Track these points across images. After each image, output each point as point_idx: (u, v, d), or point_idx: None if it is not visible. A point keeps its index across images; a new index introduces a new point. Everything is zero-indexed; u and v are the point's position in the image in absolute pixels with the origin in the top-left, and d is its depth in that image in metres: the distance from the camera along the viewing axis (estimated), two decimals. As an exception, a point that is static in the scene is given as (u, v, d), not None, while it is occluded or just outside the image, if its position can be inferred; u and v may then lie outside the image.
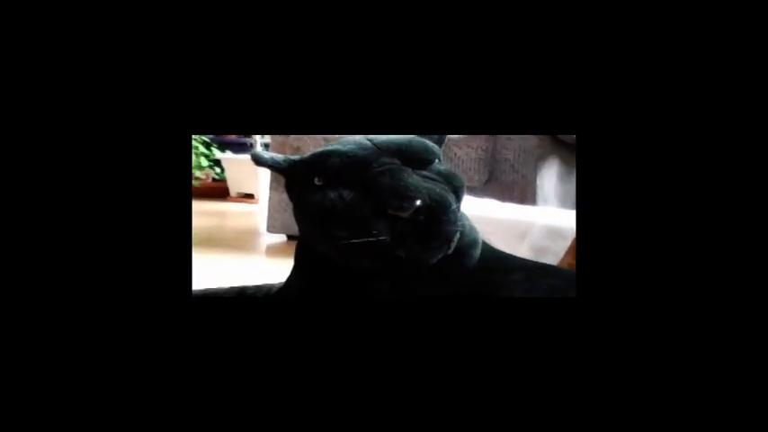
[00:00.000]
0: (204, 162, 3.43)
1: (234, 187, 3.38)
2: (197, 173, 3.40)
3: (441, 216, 0.85)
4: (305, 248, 1.00)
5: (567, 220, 1.38)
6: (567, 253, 1.30)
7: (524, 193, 1.83)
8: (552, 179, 1.92)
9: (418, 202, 0.83)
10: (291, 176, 0.96)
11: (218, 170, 3.38)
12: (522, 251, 1.31)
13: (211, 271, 1.61)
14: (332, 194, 0.88)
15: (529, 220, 1.41)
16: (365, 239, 0.86)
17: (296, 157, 0.97)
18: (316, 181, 0.90)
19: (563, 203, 1.97)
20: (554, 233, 1.36)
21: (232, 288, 1.19)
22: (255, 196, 3.33)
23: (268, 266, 1.72)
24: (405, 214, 0.84)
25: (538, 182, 1.86)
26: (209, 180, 3.41)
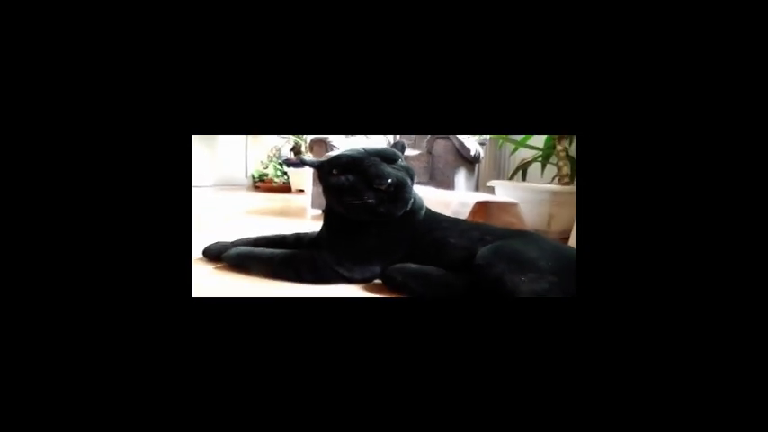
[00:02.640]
0: (280, 173, 3.37)
1: (294, 185, 3.36)
2: (275, 179, 3.32)
3: (402, 189, 0.91)
4: (329, 211, 1.02)
5: (470, 197, 1.40)
6: (469, 214, 1.33)
7: (448, 185, 1.91)
8: (462, 177, 1.99)
9: (390, 181, 0.88)
10: (321, 170, 0.99)
11: (285, 177, 3.30)
12: (447, 213, 1.27)
13: (283, 226, 1.68)
14: (342, 178, 0.92)
15: (450, 198, 1.42)
16: (361, 202, 0.90)
17: (322, 159, 1.02)
18: (333, 171, 0.94)
19: (467, 189, 2.01)
20: (463, 204, 1.38)
21: (292, 234, 1.17)
22: (305, 190, 3.30)
23: (312, 224, 1.81)
24: (383, 188, 0.88)
25: (455, 179, 1.92)
26: (282, 183, 3.34)
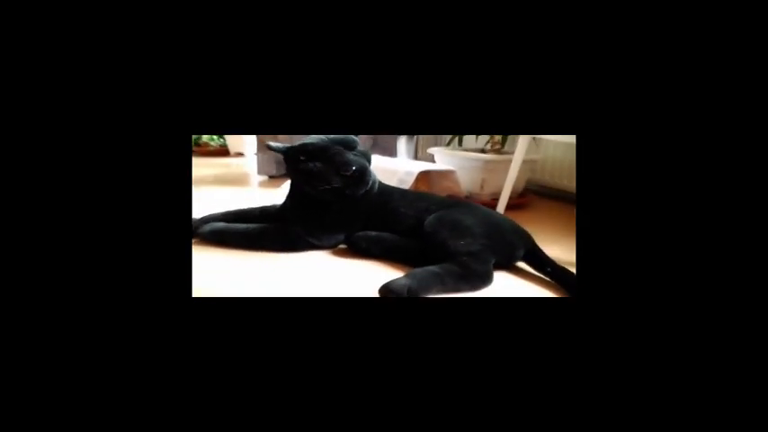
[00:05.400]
0: (215, 136, 3.34)
1: (231, 148, 3.35)
2: (211, 142, 3.31)
3: (364, 173, 1.09)
4: (297, 189, 1.15)
5: (414, 167, 1.58)
6: (412, 183, 1.52)
7: (390, 152, 2.11)
8: (402, 144, 2.21)
9: (354, 168, 1.05)
10: (288, 156, 1.11)
11: (222, 140, 3.29)
12: (393, 182, 1.50)
13: (226, 197, 1.73)
14: (310, 164, 1.06)
15: (397, 168, 1.59)
16: (330, 187, 1.05)
17: (289, 145, 1.14)
18: (301, 158, 1.07)
19: (407, 155, 2.23)
20: (408, 173, 1.57)
21: (256, 207, 1.28)
22: (244, 154, 3.29)
23: (260, 193, 1.86)
24: (348, 174, 1.05)
25: (397, 146, 2.11)
26: (218, 146, 3.34)
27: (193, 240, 1.14)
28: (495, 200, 1.59)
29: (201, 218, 1.22)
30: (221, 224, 1.15)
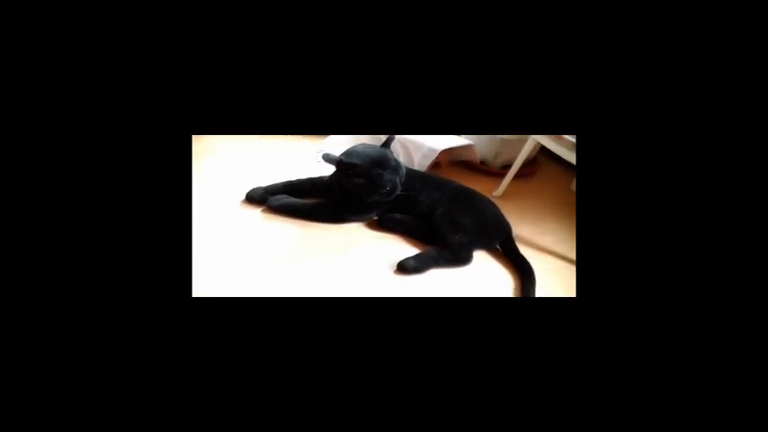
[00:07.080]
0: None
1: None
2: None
3: (395, 189, 1.40)
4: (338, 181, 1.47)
5: (437, 144, 1.82)
6: (434, 159, 1.80)
7: None
8: None
9: (388, 188, 1.37)
10: (339, 167, 1.42)
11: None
12: (418, 156, 1.79)
13: (272, 148, 1.94)
14: (356, 180, 1.38)
15: (422, 143, 1.84)
16: (373, 200, 1.40)
17: (341, 156, 1.40)
18: (349, 173, 1.39)
19: None
20: (431, 150, 1.83)
21: (306, 180, 1.61)
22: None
23: (299, 144, 2.03)
24: (384, 192, 1.38)
25: None
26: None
27: (262, 209, 1.53)
28: (506, 168, 1.90)
29: (266, 188, 1.54)
30: (285, 198, 1.49)
